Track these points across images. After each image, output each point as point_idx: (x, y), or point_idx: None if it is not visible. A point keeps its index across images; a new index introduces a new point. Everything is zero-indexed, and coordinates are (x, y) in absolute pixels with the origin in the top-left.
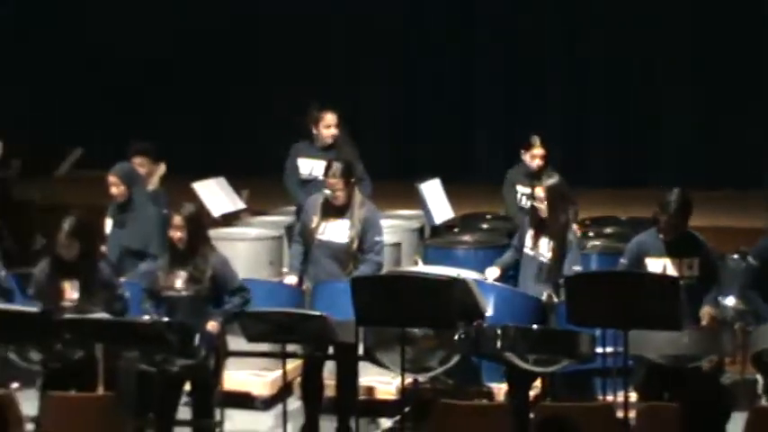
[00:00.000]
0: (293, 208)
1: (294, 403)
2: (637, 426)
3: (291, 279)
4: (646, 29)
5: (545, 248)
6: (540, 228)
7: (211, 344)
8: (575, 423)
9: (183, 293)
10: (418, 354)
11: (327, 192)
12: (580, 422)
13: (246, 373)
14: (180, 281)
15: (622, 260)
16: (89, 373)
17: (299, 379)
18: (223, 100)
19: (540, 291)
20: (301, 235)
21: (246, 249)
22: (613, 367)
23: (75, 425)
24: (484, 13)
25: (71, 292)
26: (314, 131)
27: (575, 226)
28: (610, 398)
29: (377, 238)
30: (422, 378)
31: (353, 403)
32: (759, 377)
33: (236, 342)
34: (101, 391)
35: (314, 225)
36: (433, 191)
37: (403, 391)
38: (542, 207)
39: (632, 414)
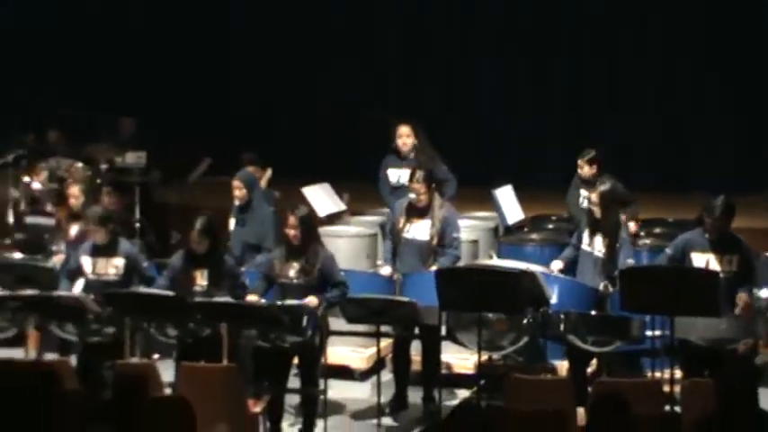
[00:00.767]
0: (386, 210)
1: (386, 375)
2: (681, 399)
3: (385, 270)
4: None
5: (600, 245)
6: (595, 227)
7: (316, 324)
8: (627, 397)
9: (295, 281)
10: (492, 335)
11: (412, 195)
12: (631, 396)
13: (346, 350)
14: (293, 270)
15: (668, 251)
16: (215, 347)
17: (390, 355)
18: (326, 117)
19: (596, 282)
20: (391, 233)
21: (347, 245)
22: (660, 348)
23: (203, 390)
24: (549, 30)
25: (201, 279)
26: (395, 144)
27: (632, 223)
28: (657, 375)
29: (455, 235)
30: (495, 356)
31: (437, 376)
32: None
33: (337, 323)
34: (225, 362)
35: (400, 225)
36: (505, 195)
37: (479, 366)
38: (596, 210)
39: (677, 389)
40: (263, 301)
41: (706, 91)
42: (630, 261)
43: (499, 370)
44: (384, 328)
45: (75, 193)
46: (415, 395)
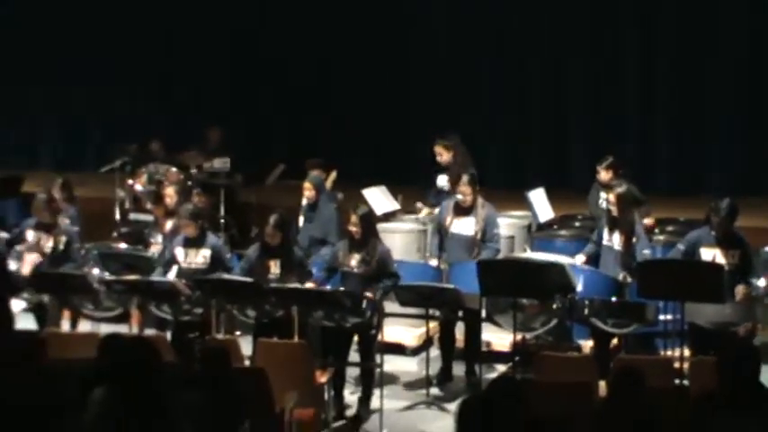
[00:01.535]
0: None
1: (434, 352)
2: (689, 374)
3: (433, 262)
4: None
5: (618, 240)
6: (614, 224)
7: (374, 307)
8: (643, 372)
9: (356, 271)
10: (526, 318)
11: (459, 197)
12: (646, 371)
13: (399, 329)
14: (354, 261)
15: (680, 246)
16: (287, 326)
17: (437, 334)
18: (383, 124)
19: (617, 272)
20: (438, 230)
21: (401, 239)
22: (672, 330)
23: (277, 363)
24: (568, 37)
25: (274, 268)
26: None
27: (647, 220)
28: (669, 353)
29: (495, 231)
30: (528, 336)
31: (477, 353)
32: None
33: (392, 306)
34: (296, 339)
35: (448, 222)
36: (538, 197)
37: (514, 345)
38: (614, 209)
39: (686, 366)
40: (327, 287)
41: (718, 97)
42: (647, 252)
43: (531, 348)
44: (432, 311)
45: (170, 193)
46: (458, 369)
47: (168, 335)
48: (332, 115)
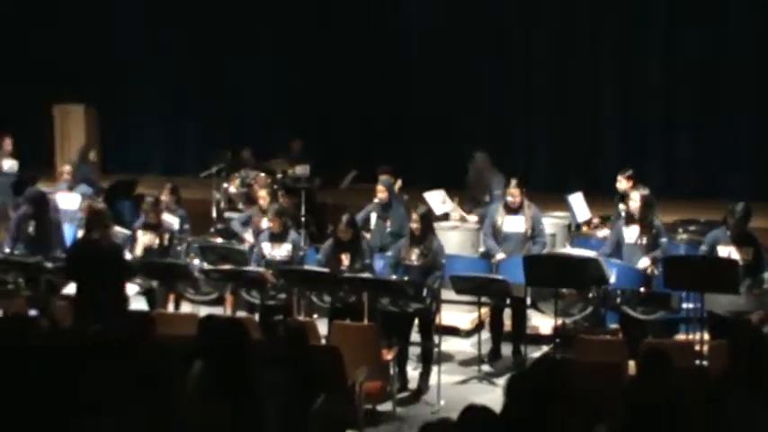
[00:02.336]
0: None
1: (485, 334)
2: (708, 356)
3: (500, 256)
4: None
5: (635, 235)
6: (631, 221)
7: (433, 294)
8: (668, 353)
9: (416, 263)
10: (565, 305)
11: (509, 198)
12: (671, 352)
13: (455, 314)
14: (414, 255)
15: (703, 247)
16: (358, 310)
17: (488, 319)
18: (441, 137)
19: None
20: (492, 228)
21: (456, 236)
22: (693, 317)
23: (349, 342)
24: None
25: (346, 260)
26: None
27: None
28: (690, 337)
29: (541, 227)
30: (567, 321)
31: (523, 336)
32: None
33: (448, 294)
34: (365, 321)
35: (499, 223)
36: (576, 200)
37: (555, 328)
38: (637, 208)
39: (705, 348)
40: (393, 276)
41: (736, 107)
42: (664, 240)
43: (570, 332)
44: (483, 299)
45: (263, 195)
46: (506, 349)
47: (256, 317)
48: (397, 128)
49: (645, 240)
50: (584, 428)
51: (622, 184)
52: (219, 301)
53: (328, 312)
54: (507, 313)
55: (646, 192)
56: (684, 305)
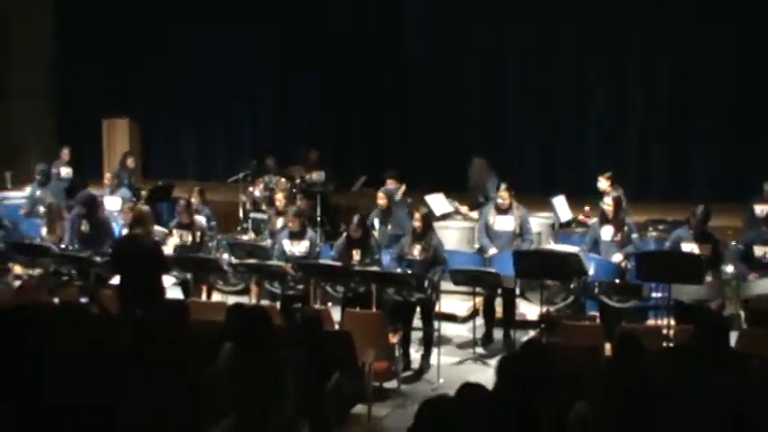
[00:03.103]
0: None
1: (479, 320)
2: (674, 339)
3: (493, 251)
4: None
5: (609, 233)
6: (607, 221)
7: (433, 286)
8: (639, 337)
9: (417, 258)
10: (550, 294)
11: (500, 200)
12: (642, 336)
13: (453, 302)
14: (416, 250)
15: (668, 243)
16: (368, 299)
17: (482, 307)
18: (442, 145)
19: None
20: (485, 226)
21: (454, 234)
22: (662, 305)
23: (359, 328)
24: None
25: (356, 256)
26: None
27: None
28: (659, 322)
29: (528, 226)
30: (552, 308)
31: (513, 321)
32: (742, 313)
33: (446, 285)
34: (374, 309)
35: (491, 222)
36: (560, 202)
37: (541, 315)
38: (610, 208)
39: (671, 332)
40: (398, 270)
41: (703, 120)
42: (635, 236)
43: (554, 318)
44: (478, 289)
45: (279, 198)
46: (498, 333)
47: (278, 305)
48: (401, 139)
49: (618, 237)
50: (566, 403)
51: (603, 183)
52: (246, 291)
53: (341, 301)
54: (499, 302)
55: (617, 194)
56: (654, 294)
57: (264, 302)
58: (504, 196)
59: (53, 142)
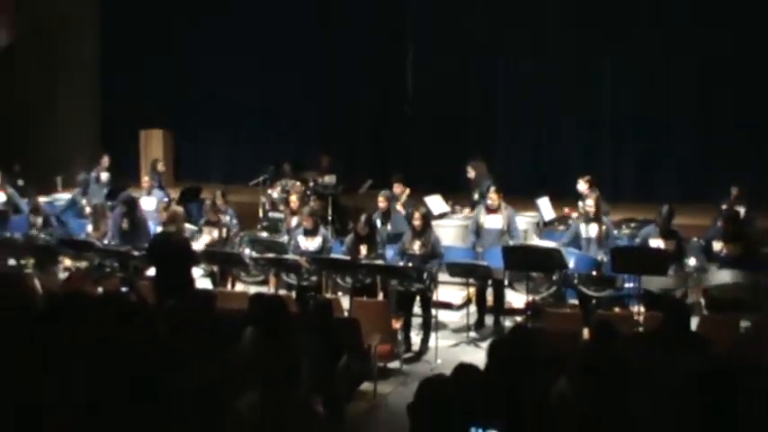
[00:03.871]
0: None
1: (472, 308)
2: (644, 324)
3: (478, 249)
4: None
5: (593, 231)
6: (589, 219)
7: (431, 277)
8: (613, 323)
9: (417, 253)
10: (535, 285)
11: (489, 201)
12: (616, 321)
13: (449, 292)
14: (416, 246)
15: (637, 240)
16: (373, 289)
17: (474, 296)
18: (442, 151)
19: (594, 253)
20: (476, 225)
21: (451, 231)
22: (633, 294)
23: (366, 314)
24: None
25: (364, 250)
26: None
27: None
28: (632, 309)
29: (515, 224)
30: (536, 297)
31: (502, 309)
32: (703, 300)
33: (443, 276)
34: (380, 298)
35: (482, 221)
36: (544, 203)
37: (527, 303)
38: (592, 208)
39: (642, 318)
40: (400, 263)
41: (672, 129)
42: (615, 232)
43: (539, 306)
44: (471, 280)
45: (293, 200)
46: (488, 320)
47: (294, 294)
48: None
49: (597, 234)
50: (549, 381)
51: (582, 186)
52: (265, 282)
53: (350, 291)
54: (489, 291)
55: (596, 195)
56: (626, 285)
57: (282, 292)
58: (493, 197)
59: (97, 150)
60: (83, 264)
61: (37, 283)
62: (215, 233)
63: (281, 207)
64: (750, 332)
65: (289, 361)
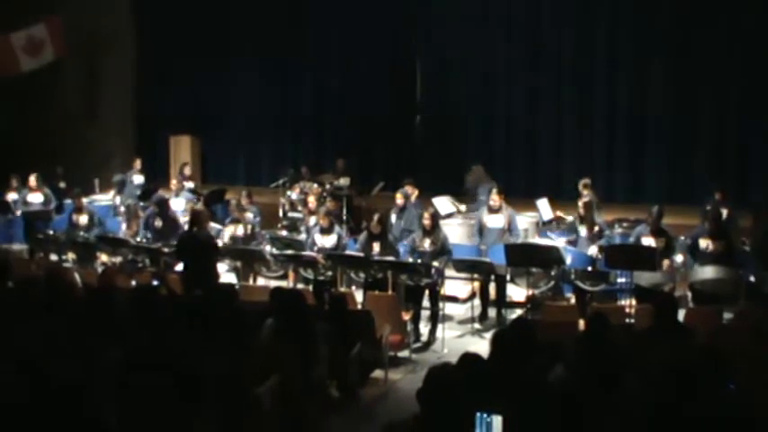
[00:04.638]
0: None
1: (476, 301)
2: (635, 316)
3: (482, 247)
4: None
5: (583, 231)
6: (582, 221)
7: (439, 273)
8: (606, 315)
9: (427, 250)
10: (535, 280)
11: (491, 202)
12: (609, 314)
13: (455, 286)
14: (426, 244)
15: (630, 238)
16: (385, 283)
17: (479, 290)
18: (447, 155)
19: (587, 249)
20: (479, 224)
21: (458, 229)
22: (626, 288)
23: (378, 307)
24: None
25: (376, 247)
26: None
27: (603, 216)
28: (623, 303)
29: (516, 224)
30: (536, 291)
31: (503, 302)
32: (689, 294)
33: (450, 272)
34: (390, 292)
35: (485, 220)
36: (543, 204)
37: (527, 297)
38: (582, 210)
39: (633, 311)
40: (410, 260)
41: (658, 135)
42: (607, 231)
43: (538, 299)
44: (475, 276)
45: (311, 200)
46: (492, 312)
47: (311, 288)
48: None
49: (589, 233)
50: (547, 368)
51: (581, 188)
52: (285, 277)
53: (363, 285)
54: (492, 286)
55: (587, 198)
56: (619, 279)
57: (300, 286)
58: (495, 199)
59: (132, 154)
60: (118, 259)
61: (77, 276)
62: (239, 230)
63: (300, 207)
64: (732, 323)
65: (306, 350)
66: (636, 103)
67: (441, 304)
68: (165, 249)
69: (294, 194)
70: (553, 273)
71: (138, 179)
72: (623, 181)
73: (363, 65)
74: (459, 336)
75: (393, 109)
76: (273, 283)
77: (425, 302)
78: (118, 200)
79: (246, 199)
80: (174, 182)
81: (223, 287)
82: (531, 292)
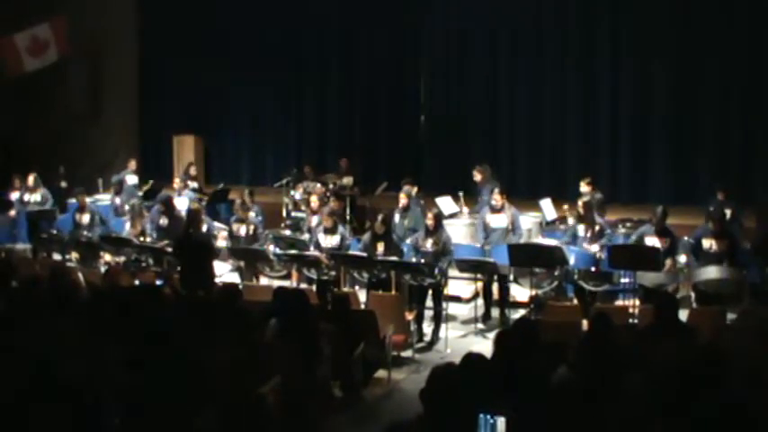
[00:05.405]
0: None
1: (479, 301)
2: (638, 316)
3: (487, 247)
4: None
5: (582, 231)
6: (581, 220)
7: (442, 272)
8: (609, 315)
9: (430, 249)
10: (538, 280)
11: (494, 202)
12: (612, 314)
13: (458, 286)
14: (429, 244)
15: (633, 237)
16: (388, 283)
17: (482, 290)
18: (451, 156)
19: (591, 249)
20: (482, 224)
21: (461, 229)
22: (629, 288)
23: (381, 307)
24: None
25: (380, 248)
26: None
27: (605, 217)
28: (626, 303)
29: (518, 223)
30: (539, 291)
31: (507, 302)
32: (693, 294)
33: (453, 272)
34: (393, 292)
35: (488, 220)
36: (546, 204)
37: (530, 297)
38: (582, 210)
39: (636, 311)
40: (413, 259)
41: (661, 136)
42: (608, 231)
43: (541, 299)
44: (479, 276)
45: (314, 200)
46: (495, 312)
47: (314, 288)
48: (416, 152)
49: (590, 234)
50: (551, 369)
51: (583, 188)
52: (288, 277)
53: (366, 285)
54: (496, 286)
55: (586, 198)
56: (622, 280)
57: (303, 286)
58: (497, 199)
59: (136, 155)
60: (121, 259)
61: (80, 276)
62: (242, 230)
63: (303, 207)
64: (736, 323)
65: (309, 349)
66: (639, 104)
67: (444, 304)
68: (169, 249)
69: (298, 194)
70: (556, 273)
71: (132, 179)
72: (627, 181)
73: (367, 65)
74: (462, 336)
75: (397, 109)
76: (277, 283)
77: (429, 302)
78: (117, 200)
79: (249, 198)
80: (176, 181)
81: (225, 287)
82: (534, 293)
